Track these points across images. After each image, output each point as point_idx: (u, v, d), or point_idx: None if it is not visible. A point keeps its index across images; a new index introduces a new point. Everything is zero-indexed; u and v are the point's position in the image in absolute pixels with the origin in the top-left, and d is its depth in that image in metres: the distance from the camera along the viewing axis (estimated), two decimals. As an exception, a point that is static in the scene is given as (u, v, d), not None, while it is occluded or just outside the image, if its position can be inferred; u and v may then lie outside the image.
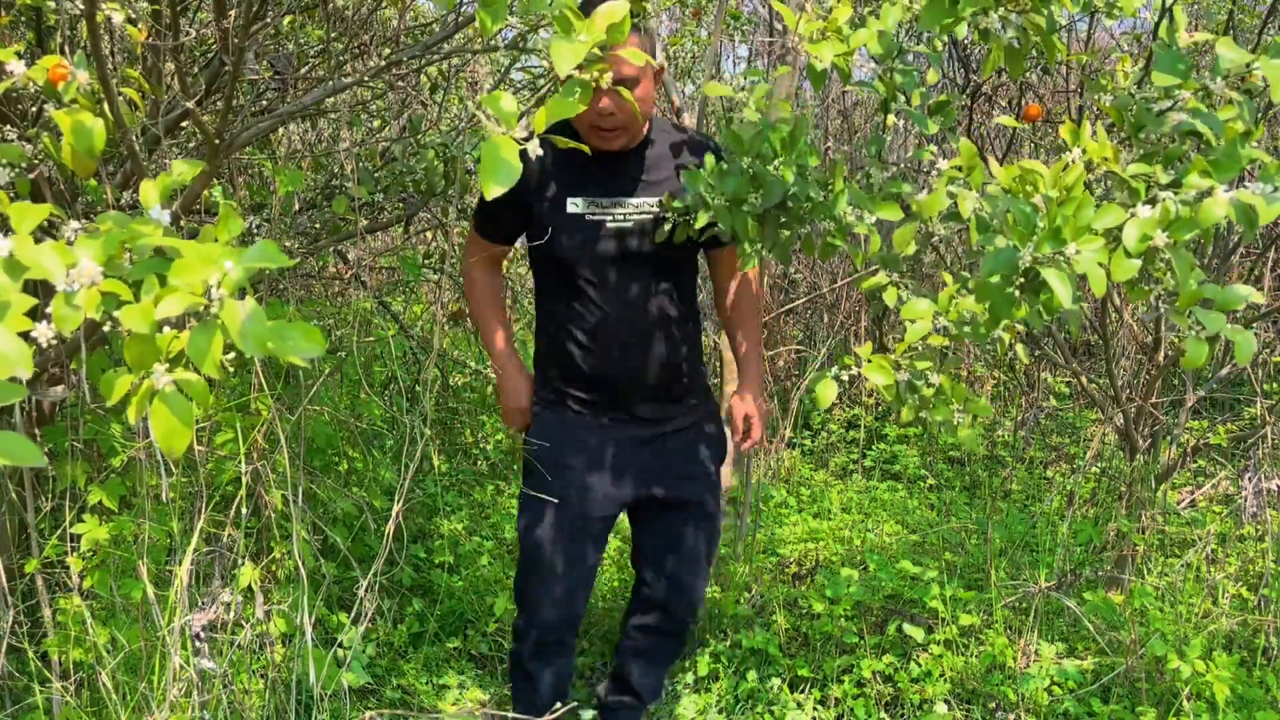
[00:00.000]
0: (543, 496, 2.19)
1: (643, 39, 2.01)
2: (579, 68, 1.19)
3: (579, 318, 2.13)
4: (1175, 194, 1.28)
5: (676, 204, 1.98)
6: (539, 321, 2.25)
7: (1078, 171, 1.31)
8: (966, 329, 1.44)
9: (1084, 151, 1.37)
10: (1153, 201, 1.29)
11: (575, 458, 2.19)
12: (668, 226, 2.02)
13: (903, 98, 1.64)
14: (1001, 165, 1.43)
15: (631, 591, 2.49)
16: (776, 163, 1.60)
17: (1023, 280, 1.27)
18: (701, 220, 1.73)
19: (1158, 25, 1.85)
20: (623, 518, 2.56)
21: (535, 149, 1.07)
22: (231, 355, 0.81)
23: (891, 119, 1.71)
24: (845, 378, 1.59)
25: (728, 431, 2.43)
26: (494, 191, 1.04)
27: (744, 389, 2.33)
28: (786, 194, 1.59)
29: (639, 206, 2.08)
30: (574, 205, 2.07)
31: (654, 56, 2.05)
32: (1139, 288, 1.38)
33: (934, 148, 1.72)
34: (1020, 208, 1.26)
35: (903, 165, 1.72)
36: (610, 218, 2.07)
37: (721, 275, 2.33)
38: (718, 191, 1.66)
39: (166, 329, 0.79)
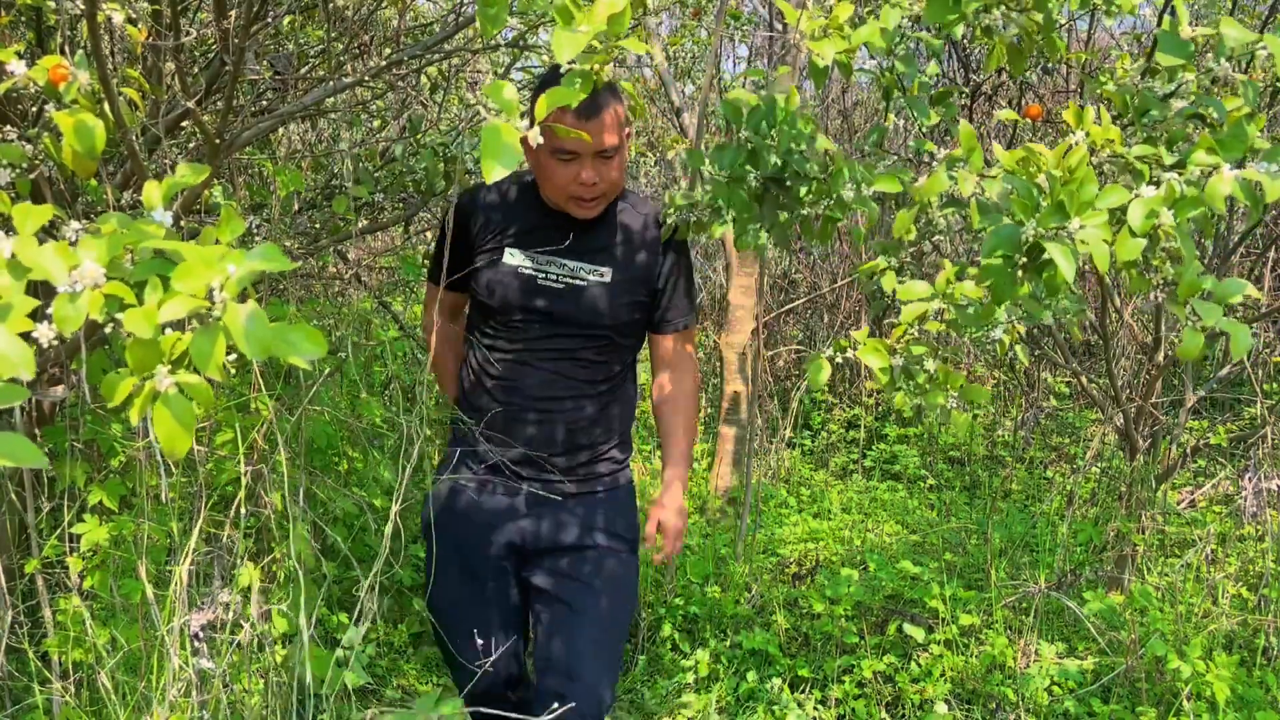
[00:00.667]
0: (440, 561, 2.12)
1: (623, 109, 1.97)
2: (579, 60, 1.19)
3: (495, 367, 2.08)
4: (1179, 175, 1.28)
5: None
6: (465, 361, 2.18)
7: (1081, 153, 1.30)
8: (969, 311, 1.43)
9: (1087, 134, 1.36)
10: (1156, 183, 1.29)
11: (466, 518, 2.10)
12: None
13: (899, 93, 1.64)
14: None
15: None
16: (772, 133, 1.59)
17: (1025, 259, 1.26)
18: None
19: (1161, 16, 1.86)
20: None
21: (536, 136, 1.06)
22: (233, 357, 0.81)
23: (891, 117, 1.71)
24: (840, 360, 1.59)
25: (641, 518, 2.22)
26: (495, 174, 1.02)
27: (662, 498, 2.11)
28: (784, 168, 1.58)
29: (574, 271, 2.04)
30: (511, 256, 2.04)
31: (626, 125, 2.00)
32: (1140, 277, 1.37)
33: (931, 144, 1.72)
34: (1023, 184, 1.26)
35: (904, 156, 1.72)
36: (543, 275, 2.03)
37: (659, 361, 2.19)
38: (715, 166, 1.65)
39: (168, 330, 0.79)
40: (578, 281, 2.04)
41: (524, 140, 2.02)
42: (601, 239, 2.06)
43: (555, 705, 1.94)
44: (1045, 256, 1.23)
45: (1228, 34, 1.35)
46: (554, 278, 2.04)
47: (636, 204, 2.11)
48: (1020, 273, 1.27)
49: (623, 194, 2.10)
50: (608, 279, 2.04)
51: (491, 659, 2.09)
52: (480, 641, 2.10)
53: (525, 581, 2.12)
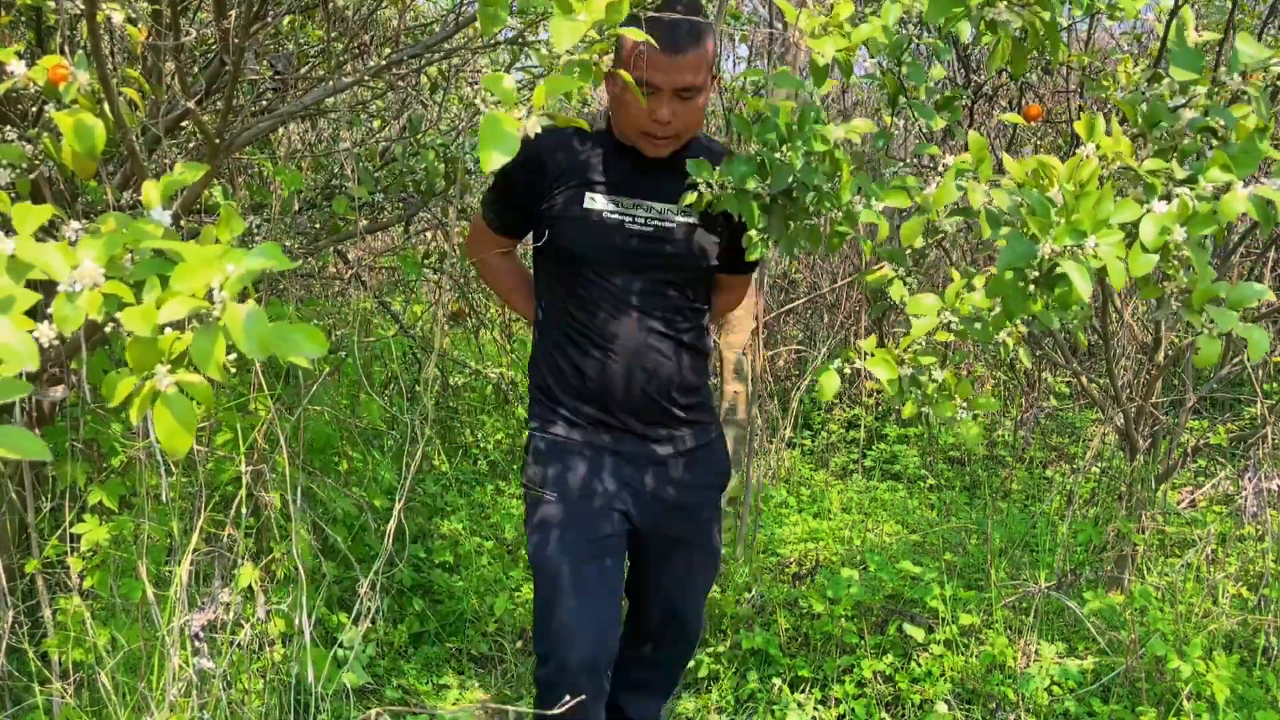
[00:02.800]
0: (551, 522, 2.04)
1: (712, 48, 1.89)
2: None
3: (582, 319, 2.01)
4: (1191, 189, 1.28)
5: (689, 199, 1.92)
6: (540, 321, 2.11)
7: (1092, 166, 1.30)
8: (977, 326, 1.43)
9: (1098, 147, 1.36)
10: (1168, 197, 1.29)
11: (575, 478, 2.05)
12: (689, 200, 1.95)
13: (903, 98, 1.64)
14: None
15: (626, 621, 2.28)
16: (784, 148, 1.59)
17: (1037, 275, 1.26)
18: (692, 198, 1.64)
19: (1168, 25, 1.86)
20: None
21: (535, 127, 1.05)
22: (233, 356, 0.81)
23: (890, 119, 1.71)
24: (848, 371, 1.59)
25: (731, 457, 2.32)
26: (493, 162, 1.00)
27: None
28: (793, 181, 1.58)
29: (662, 212, 1.97)
30: (592, 201, 1.96)
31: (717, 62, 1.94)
32: (1151, 285, 1.37)
33: (935, 147, 1.71)
34: (1037, 198, 1.25)
35: (908, 161, 1.71)
36: (630, 219, 1.96)
37: (720, 296, 2.22)
38: (724, 177, 1.64)
39: (168, 330, 0.79)
40: (666, 223, 1.97)
41: (607, 72, 1.93)
42: (681, 178, 1.97)
43: (667, 632, 2.23)
44: (1058, 272, 1.23)
45: (1242, 50, 1.35)
46: (642, 220, 1.97)
47: (710, 144, 2.05)
48: (1032, 288, 1.27)
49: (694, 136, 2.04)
50: (694, 219, 1.98)
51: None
52: (586, 606, 2.00)
53: (635, 535, 2.13)
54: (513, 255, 2.23)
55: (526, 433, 2.16)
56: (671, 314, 2.02)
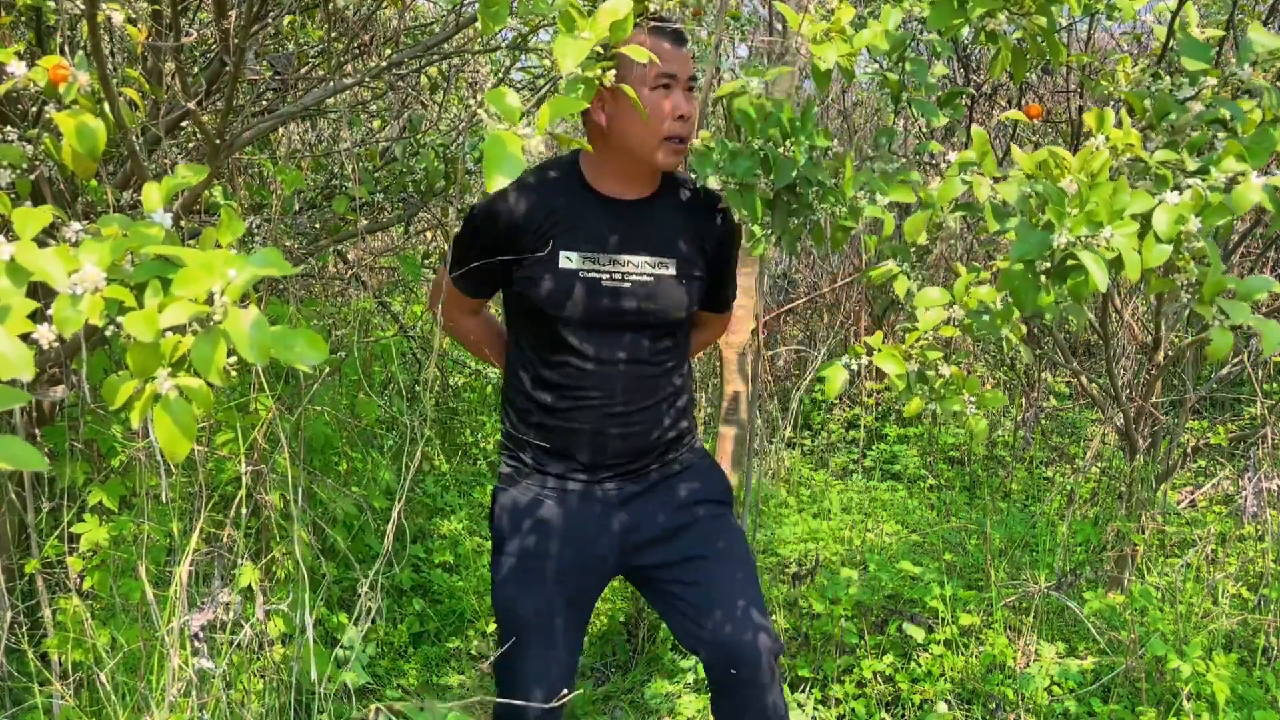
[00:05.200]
0: (517, 571, 1.94)
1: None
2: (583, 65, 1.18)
3: (557, 379, 1.91)
4: (1202, 180, 1.28)
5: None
6: (511, 369, 2.00)
7: (1103, 157, 1.29)
8: (985, 319, 1.43)
9: (1107, 139, 1.36)
10: (1179, 189, 1.29)
11: (544, 529, 1.94)
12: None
13: (905, 95, 1.64)
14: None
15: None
16: (787, 144, 1.58)
17: (1049, 265, 1.25)
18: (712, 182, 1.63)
19: (1172, 22, 1.85)
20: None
21: (538, 146, 1.05)
22: (234, 360, 0.81)
23: (892, 117, 1.71)
24: (855, 367, 1.59)
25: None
26: (498, 183, 0.99)
27: None
28: (797, 177, 1.57)
29: (639, 266, 1.88)
30: (568, 260, 1.86)
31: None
32: (1161, 278, 1.37)
33: (937, 144, 1.71)
34: (1053, 189, 1.25)
35: (911, 157, 1.71)
36: (606, 276, 1.87)
37: (698, 334, 2.13)
38: (727, 174, 1.63)
39: (168, 334, 0.79)
40: (644, 277, 1.88)
41: (605, 88, 1.72)
42: (657, 227, 1.90)
43: (750, 653, 1.89)
44: (1070, 263, 1.22)
45: (1255, 39, 1.34)
46: (619, 277, 1.87)
47: (681, 181, 1.96)
48: (1043, 279, 1.26)
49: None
50: (673, 270, 1.90)
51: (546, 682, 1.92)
52: (549, 654, 1.92)
53: (639, 577, 2.01)
54: (482, 312, 2.11)
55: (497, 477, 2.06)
56: (653, 368, 1.93)
